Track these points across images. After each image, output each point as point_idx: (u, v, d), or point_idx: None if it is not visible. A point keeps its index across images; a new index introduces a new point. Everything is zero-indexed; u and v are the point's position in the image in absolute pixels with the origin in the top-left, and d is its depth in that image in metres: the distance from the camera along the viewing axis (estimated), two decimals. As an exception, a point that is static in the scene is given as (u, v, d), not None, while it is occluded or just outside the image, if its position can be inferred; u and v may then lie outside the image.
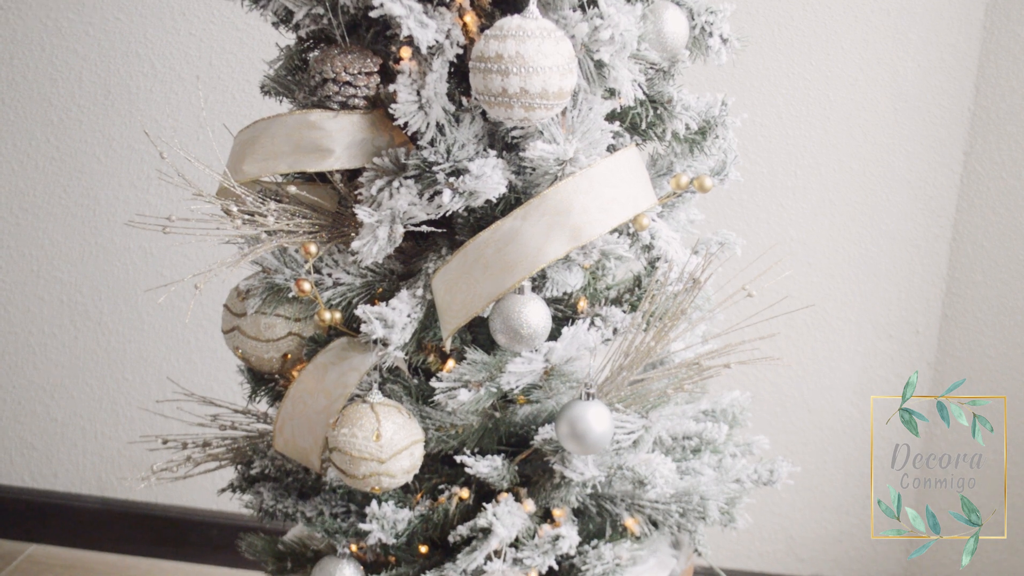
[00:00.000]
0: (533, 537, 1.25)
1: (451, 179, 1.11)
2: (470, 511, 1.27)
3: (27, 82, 2.17)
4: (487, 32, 1.06)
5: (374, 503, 1.23)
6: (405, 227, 1.14)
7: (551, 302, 1.23)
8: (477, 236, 1.13)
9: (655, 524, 1.34)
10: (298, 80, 1.22)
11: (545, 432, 1.21)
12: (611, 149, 1.19)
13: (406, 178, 1.13)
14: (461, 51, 1.12)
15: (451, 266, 1.15)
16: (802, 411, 2.12)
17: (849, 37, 1.93)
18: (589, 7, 1.11)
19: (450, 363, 1.23)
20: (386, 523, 1.23)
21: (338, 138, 1.14)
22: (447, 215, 1.15)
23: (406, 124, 1.11)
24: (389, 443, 1.16)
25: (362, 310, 1.16)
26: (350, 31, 1.16)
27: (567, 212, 1.10)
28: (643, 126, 1.22)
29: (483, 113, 1.15)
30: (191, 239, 1.17)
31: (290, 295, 1.21)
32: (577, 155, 1.10)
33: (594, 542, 1.30)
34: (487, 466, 1.22)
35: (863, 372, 2.08)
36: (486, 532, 1.22)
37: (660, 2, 1.22)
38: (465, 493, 1.26)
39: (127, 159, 2.18)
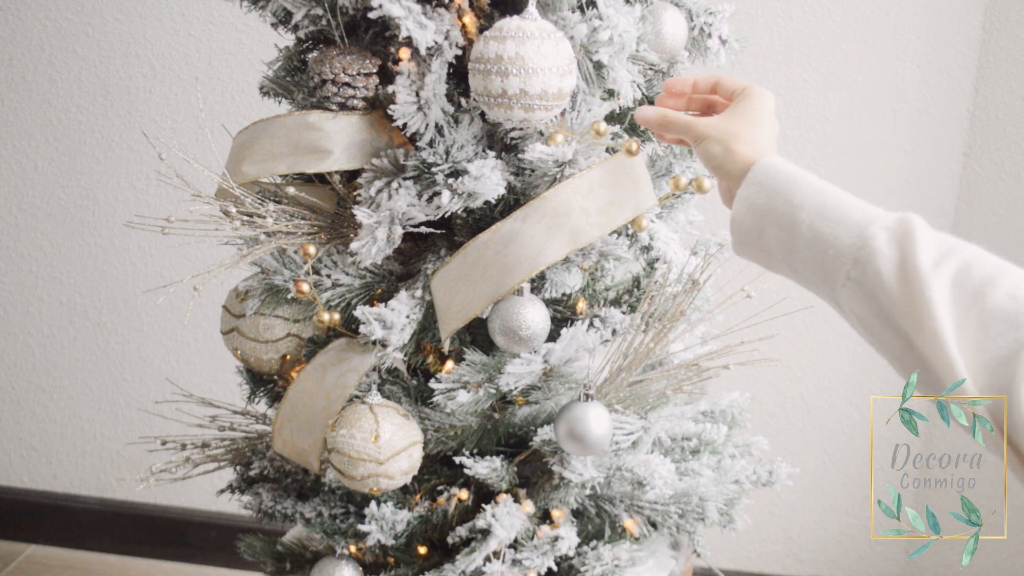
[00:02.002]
0: (532, 538, 1.25)
1: (450, 180, 1.11)
2: (469, 512, 1.26)
3: (27, 83, 2.17)
4: (486, 33, 1.06)
5: (373, 504, 1.23)
6: (404, 228, 1.13)
7: (550, 303, 1.23)
8: (477, 238, 1.13)
9: (654, 525, 1.34)
10: (297, 81, 1.22)
11: (544, 433, 1.21)
12: (611, 151, 1.19)
13: (405, 179, 1.12)
14: (460, 52, 1.12)
15: (450, 267, 1.14)
16: (801, 412, 2.12)
17: (849, 38, 1.93)
18: (588, 8, 1.11)
19: (449, 364, 1.23)
20: (385, 524, 1.23)
21: (337, 139, 1.14)
22: (446, 216, 1.15)
23: (405, 125, 1.11)
24: (388, 444, 1.16)
25: (361, 311, 1.15)
26: (349, 32, 1.16)
27: (567, 214, 1.10)
28: (642, 127, 1.22)
29: (482, 114, 1.15)
30: (190, 240, 1.17)
31: (289, 296, 1.21)
32: (576, 157, 1.10)
33: (593, 543, 1.30)
34: (486, 467, 1.22)
35: (863, 372, 2.08)
36: (485, 533, 1.22)
37: (659, 3, 1.22)
38: (464, 494, 1.26)
39: (126, 160, 2.18)
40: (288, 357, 1.29)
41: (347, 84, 1.12)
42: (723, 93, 1.06)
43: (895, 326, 0.82)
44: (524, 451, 1.27)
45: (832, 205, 0.90)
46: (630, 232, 1.19)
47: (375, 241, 1.13)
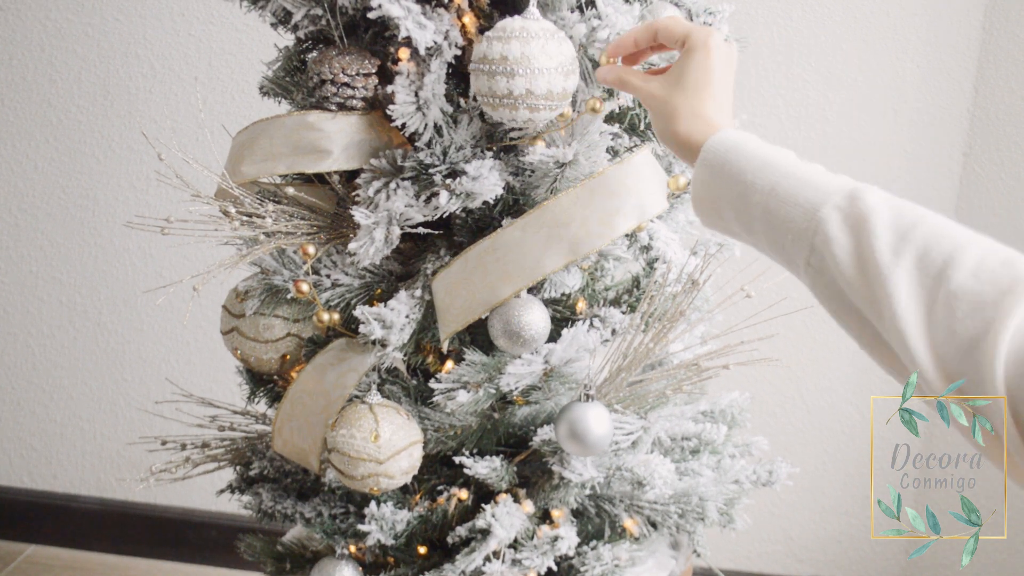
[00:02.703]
0: (532, 538, 1.25)
1: (448, 181, 1.11)
2: (469, 512, 1.26)
3: (27, 83, 2.17)
4: (488, 34, 1.06)
5: (373, 504, 1.23)
6: (402, 228, 1.13)
7: (549, 303, 1.23)
8: (479, 243, 1.13)
9: (654, 525, 1.34)
10: (296, 81, 1.21)
11: (544, 433, 1.21)
12: (611, 151, 1.19)
13: (403, 179, 1.12)
14: (459, 52, 1.12)
15: (452, 270, 1.14)
16: (801, 412, 2.12)
17: (849, 38, 1.93)
18: (587, 8, 1.11)
19: (449, 364, 1.23)
20: (385, 524, 1.23)
21: (336, 139, 1.14)
22: (445, 216, 1.15)
23: (404, 125, 1.11)
24: (387, 444, 1.16)
25: (360, 311, 1.15)
26: (348, 32, 1.16)
27: (566, 225, 1.10)
28: (642, 127, 1.22)
29: (481, 114, 1.15)
30: (190, 240, 1.17)
31: (289, 296, 1.21)
32: (577, 157, 1.10)
33: (593, 543, 1.30)
34: (486, 467, 1.22)
35: (863, 372, 2.08)
36: (485, 533, 1.22)
37: (658, 3, 1.22)
38: (464, 494, 1.26)
39: (126, 160, 2.18)
40: (288, 357, 1.29)
41: (346, 84, 1.12)
42: (669, 44, 0.99)
43: (860, 315, 0.81)
44: (524, 451, 1.27)
45: (784, 182, 0.85)
46: (629, 232, 1.19)
47: (373, 241, 1.13)
